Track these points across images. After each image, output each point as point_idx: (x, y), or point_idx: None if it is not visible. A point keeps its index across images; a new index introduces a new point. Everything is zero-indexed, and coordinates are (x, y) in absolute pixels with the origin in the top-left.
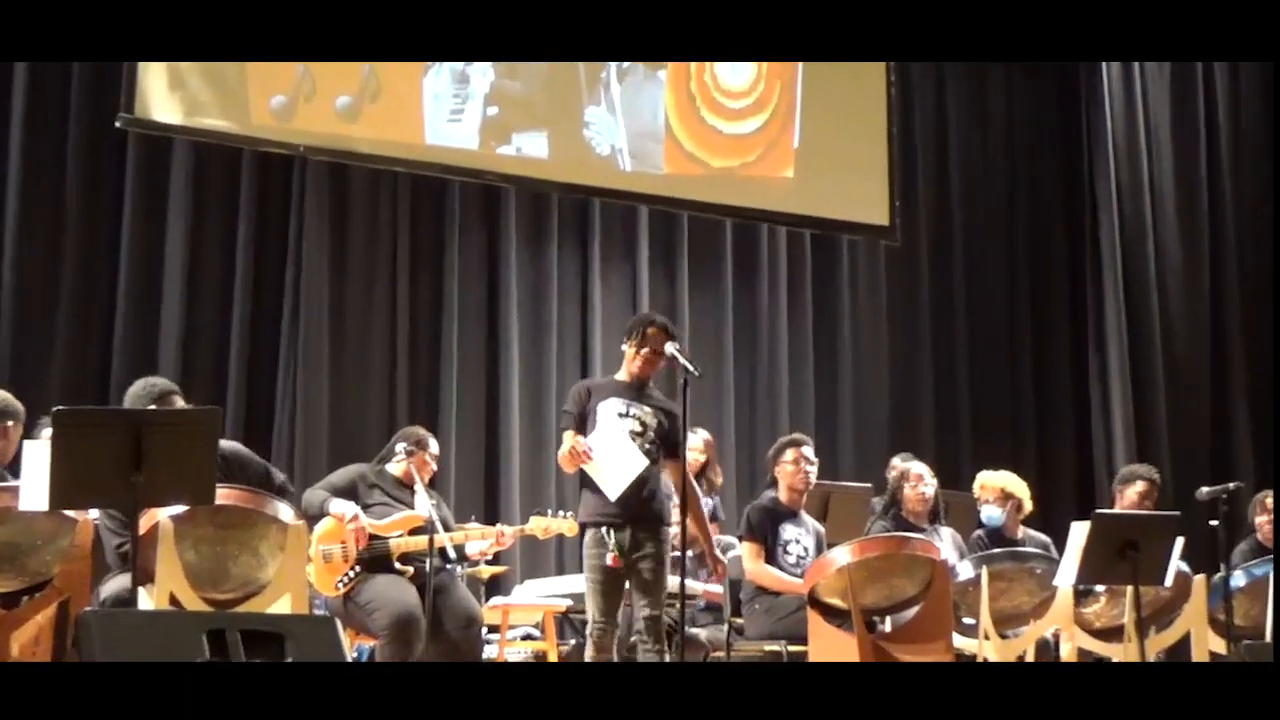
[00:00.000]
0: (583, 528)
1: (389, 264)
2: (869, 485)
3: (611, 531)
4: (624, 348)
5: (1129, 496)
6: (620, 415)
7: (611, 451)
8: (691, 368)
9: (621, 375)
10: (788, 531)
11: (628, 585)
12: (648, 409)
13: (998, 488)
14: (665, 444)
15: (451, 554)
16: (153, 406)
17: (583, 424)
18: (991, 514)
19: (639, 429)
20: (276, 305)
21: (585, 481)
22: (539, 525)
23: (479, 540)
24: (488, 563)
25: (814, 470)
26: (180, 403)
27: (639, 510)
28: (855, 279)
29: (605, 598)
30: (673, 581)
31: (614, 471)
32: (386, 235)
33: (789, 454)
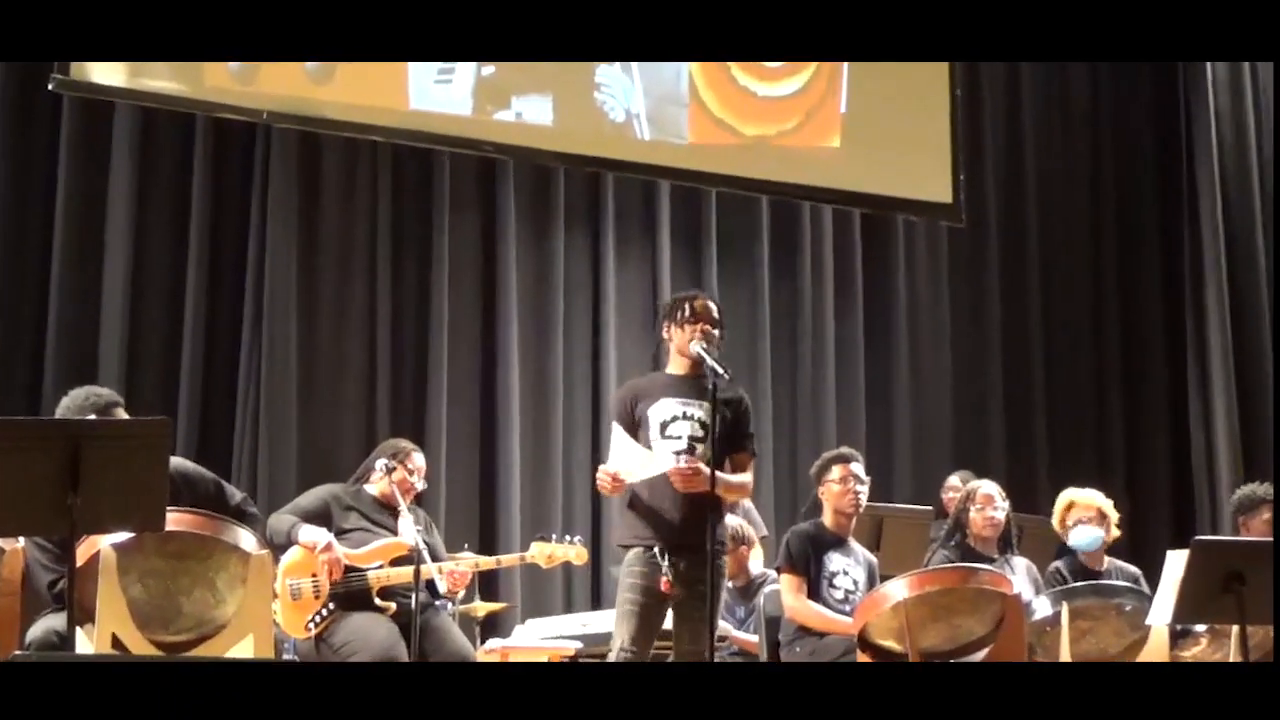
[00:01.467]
0: (620, 548)
1: (367, 251)
2: (929, 508)
3: (665, 552)
4: (665, 335)
5: (1256, 527)
6: (669, 421)
7: (636, 462)
8: (720, 370)
9: (673, 368)
10: (834, 562)
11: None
12: (708, 405)
13: (1095, 506)
14: (731, 442)
15: (441, 588)
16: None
17: (634, 436)
18: (1090, 536)
19: (699, 433)
20: (236, 300)
21: (629, 499)
22: (542, 553)
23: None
24: (483, 598)
25: (865, 490)
26: (125, 417)
27: (694, 536)
28: (913, 267)
29: (642, 622)
30: None
31: (648, 468)
32: (364, 217)
33: (835, 471)
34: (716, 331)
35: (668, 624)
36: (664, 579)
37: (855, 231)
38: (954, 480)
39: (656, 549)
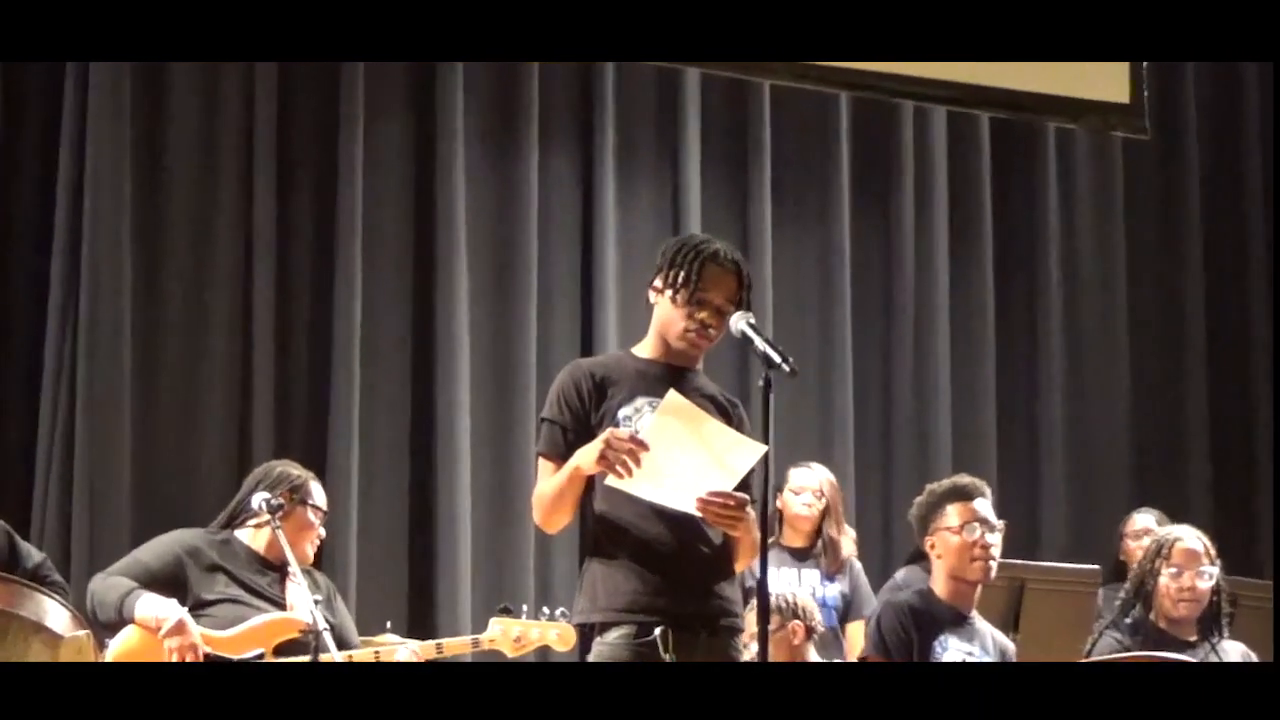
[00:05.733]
0: (586, 631)
1: (239, 177)
2: (1094, 567)
3: (669, 634)
4: (651, 295)
5: None
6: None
7: (680, 445)
8: (777, 357)
9: (646, 351)
10: (949, 649)
11: None
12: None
13: None
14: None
15: None
16: None
17: (579, 444)
18: None
19: None
20: (39, 259)
21: (598, 547)
22: (507, 634)
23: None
24: None
25: (997, 541)
26: None
27: (710, 605)
28: (1070, 202)
29: None
30: None
31: (689, 476)
32: (235, 127)
33: (952, 513)
34: (713, 307)
35: None
36: None
37: (983, 148)
38: (1142, 521)
39: (657, 630)
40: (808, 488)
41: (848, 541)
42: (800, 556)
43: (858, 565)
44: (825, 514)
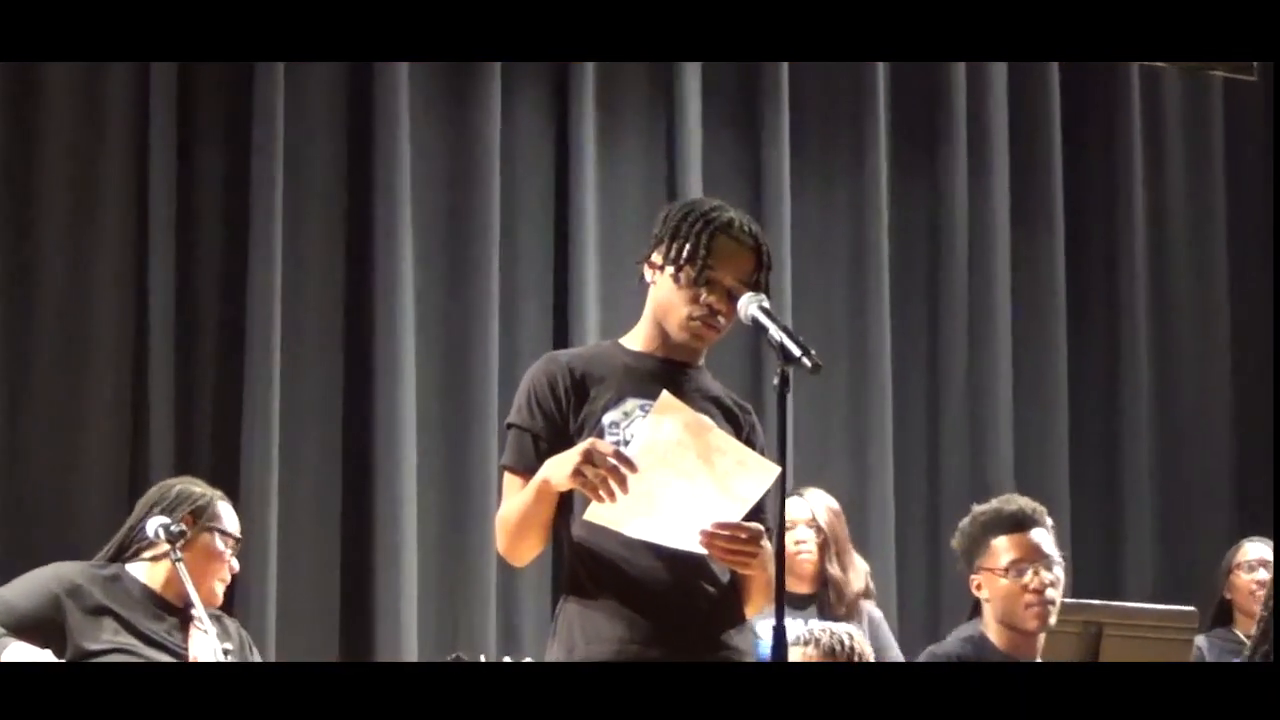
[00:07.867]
0: None
1: (131, 128)
2: (1190, 609)
3: None
4: (647, 272)
5: None
6: (631, 442)
7: (673, 466)
8: (796, 349)
9: (638, 342)
10: None
11: None
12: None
13: None
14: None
15: None
16: None
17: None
18: None
19: None
20: None
21: (576, 582)
22: None
23: None
24: None
25: (1057, 577)
26: None
27: (701, 649)
28: (1160, 158)
29: None
30: None
31: (688, 506)
32: (122, 91)
33: (999, 549)
34: (723, 290)
35: None
36: None
37: (1051, 95)
38: (1255, 551)
39: None
40: (799, 520)
41: (858, 577)
42: (800, 604)
43: (875, 612)
44: (824, 548)
